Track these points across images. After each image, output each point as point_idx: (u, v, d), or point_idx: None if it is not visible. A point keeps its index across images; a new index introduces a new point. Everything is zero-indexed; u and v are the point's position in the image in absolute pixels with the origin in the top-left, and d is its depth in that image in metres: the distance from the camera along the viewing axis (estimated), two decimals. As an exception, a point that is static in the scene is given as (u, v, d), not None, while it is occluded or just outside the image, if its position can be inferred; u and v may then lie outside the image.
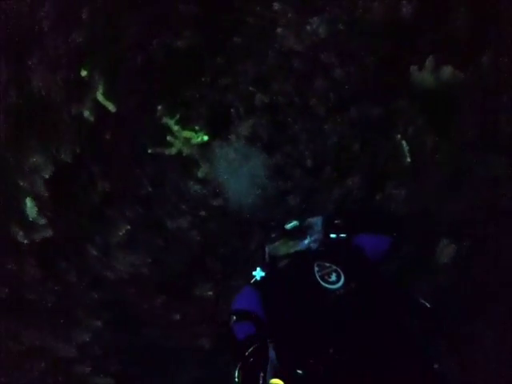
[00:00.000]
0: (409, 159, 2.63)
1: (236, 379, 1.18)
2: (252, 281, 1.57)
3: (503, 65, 2.28)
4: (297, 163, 2.80)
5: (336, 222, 1.65)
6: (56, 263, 2.28)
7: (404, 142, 2.62)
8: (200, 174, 2.62)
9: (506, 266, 2.54)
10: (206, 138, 2.38)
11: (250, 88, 2.63)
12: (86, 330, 2.47)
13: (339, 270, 1.32)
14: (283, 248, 1.64)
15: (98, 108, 2.24)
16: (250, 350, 1.21)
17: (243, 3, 2.51)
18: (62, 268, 2.30)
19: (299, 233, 1.69)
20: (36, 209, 2.10)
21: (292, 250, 1.60)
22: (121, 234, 2.40)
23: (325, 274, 1.30)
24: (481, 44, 2.29)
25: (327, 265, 1.35)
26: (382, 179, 2.80)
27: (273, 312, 1.31)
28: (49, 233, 2.18)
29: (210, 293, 2.79)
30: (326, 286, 1.27)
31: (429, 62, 2.36)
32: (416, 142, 2.69)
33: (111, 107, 2.24)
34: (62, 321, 2.38)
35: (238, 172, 2.66)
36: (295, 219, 1.85)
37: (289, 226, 1.79)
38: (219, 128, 2.67)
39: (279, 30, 2.54)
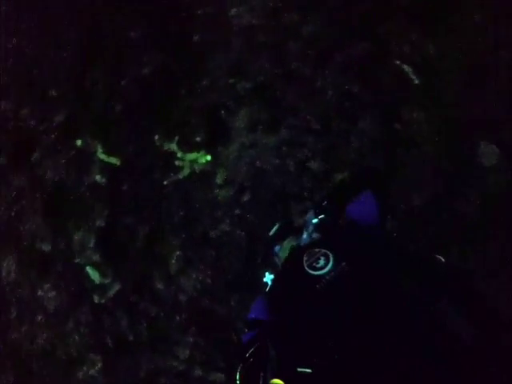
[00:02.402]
0: (417, 81, 2.43)
1: (237, 381, 1.18)
2: (266, 288, 1.56)
3: None
4: (304, 129, 2.74)
5: (323, 204, 1.56)
6: (136, 306, 2.60)
7: (406, 66, 2.40)
8: (219, 181, 2.70)
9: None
10: (208, 157, 2.43)
11: (230, 80, 2.57)
12: (185, 345, 2.84)
13: (328, 252, 1.22)
14: (283, 252, 1.64)
15: (107, 167, 2.39)
16: (251, 350, 1.20)
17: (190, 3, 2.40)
18: (142, 307, 2.62)
19: (292, 232, 1.69)
20: (97, 273, 2.38)
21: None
22: (174, 261, 2.63)
23: (312, 262, 1.22)
24: None
25: (316, 250, 1.26)
26: (396, 109, 2.63)
27: (275, 314, 1.29)
28: (117, 286, 2.47)
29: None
30: (314, 273, 1.18)
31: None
32: (417, 58, 2.45)
33: (115, 161, 2.37)
34: (165, 342, 2.78)
35: (248, 162, 2.69)
36: (278, 222, 1.87)
37: (272, 231, 1.81)
38: (220, 130, 2.69)
39: (233, 10, 2.40)
